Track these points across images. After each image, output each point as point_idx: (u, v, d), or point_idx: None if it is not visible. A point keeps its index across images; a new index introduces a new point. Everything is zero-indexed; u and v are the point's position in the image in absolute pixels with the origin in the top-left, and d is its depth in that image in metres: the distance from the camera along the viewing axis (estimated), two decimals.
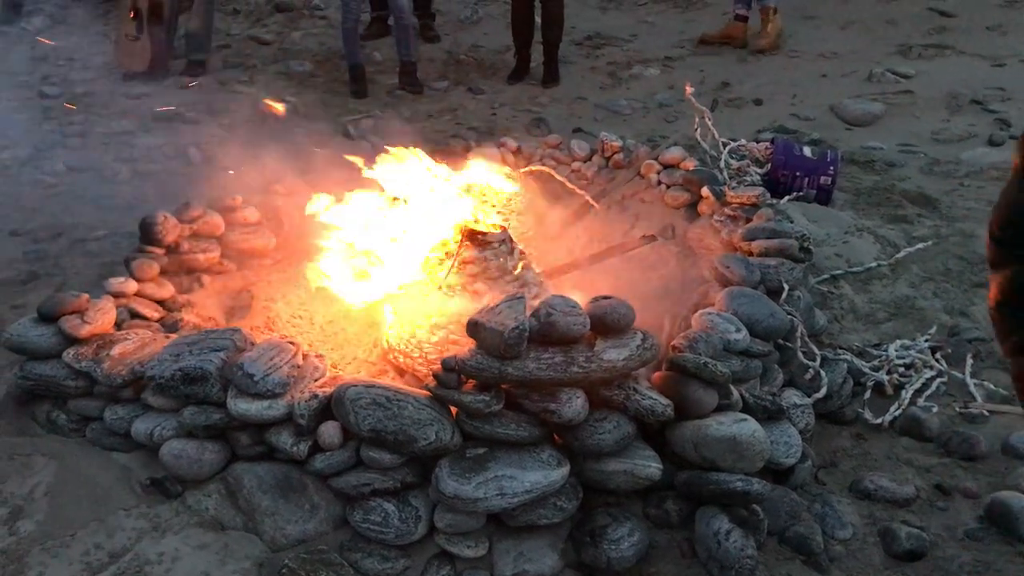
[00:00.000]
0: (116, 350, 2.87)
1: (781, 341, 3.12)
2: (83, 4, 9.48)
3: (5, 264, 4.33)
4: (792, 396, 3.03)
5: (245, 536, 2.59)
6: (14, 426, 2.97)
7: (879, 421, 3.14)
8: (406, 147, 3.74)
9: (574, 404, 2.47)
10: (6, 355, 3.16)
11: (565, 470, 2.51)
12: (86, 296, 3.04)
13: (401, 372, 3.26)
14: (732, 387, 2.69)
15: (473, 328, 2.53)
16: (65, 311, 2.97)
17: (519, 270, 3.34)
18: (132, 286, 3.32)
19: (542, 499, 2.49)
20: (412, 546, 2.55)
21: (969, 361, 3.43)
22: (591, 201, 4.44)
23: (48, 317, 2.97)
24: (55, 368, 2.89)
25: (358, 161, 3.69)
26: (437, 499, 2.49)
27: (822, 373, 3.12)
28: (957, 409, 3.21)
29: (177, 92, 7.19)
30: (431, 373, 2.63)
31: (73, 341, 2.92)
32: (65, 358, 2.87)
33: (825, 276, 3.92)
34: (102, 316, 2.99)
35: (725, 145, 4.68)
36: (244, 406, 2.57)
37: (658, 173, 4.47)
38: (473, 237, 3.32)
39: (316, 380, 2.69)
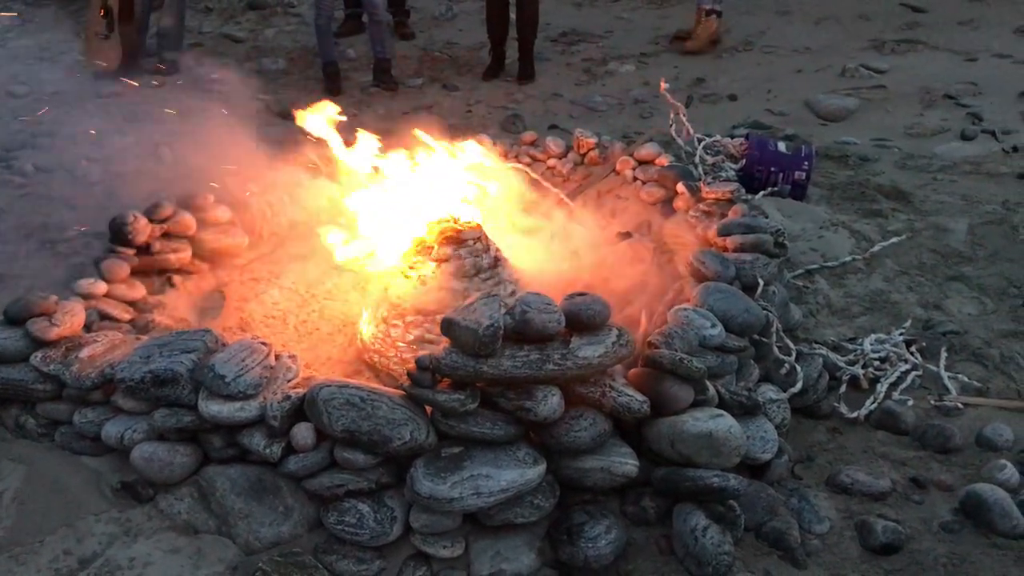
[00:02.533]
0: (85, 352, 2.83)
1: (757, 336, 3.11)
2: (53, 2, 9.37)
3: None
4: (768, 391, 3.02)
5: (218, 540, 2.55)
6: None
7: (855, 415, 3.14)
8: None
9: (550, 402, 2.45)
10: None
11: (541, 468, 2.49)
12: (55, 298, 2.99)
13: (376, 371, 3.24)
14: (708, 383, 2.69)
15: (447, 326, 2.51)
16: (33, 313, 2.92)
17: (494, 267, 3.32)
18: (102, 287, 3.28)
19: (518, 498, 2.47)
20: (387, 547, 2.52)
21: (943, 354, 3.44)
22: (565, 199, 4.42)
23: (16, 319, 2.92)
24: (23, 372, 2.83)
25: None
26: (412, 499, 2.47)
27: (798, 368, 3.12)
28: (932, 402, 3.22)
29: (148, 91, 7.11)
30: (406, 372, 2.61)
31: (41, 344, 2.87)
32: (33, 361, 2.82)
33: (800, 271, 3.93)
34: (71, 318, 2.95)
35: (700, 141, 4.68)
36: (216, 408, 2.53)
37: (633, 169, 4.47)
38: (448, 235, 3.30)
39: (289, 381, 2.66)
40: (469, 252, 3.27)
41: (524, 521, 2.51)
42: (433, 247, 3.28)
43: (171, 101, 6.71)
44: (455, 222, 3.36)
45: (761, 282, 3.23)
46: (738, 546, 2.55)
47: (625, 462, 2.54)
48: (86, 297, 3.19)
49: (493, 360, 2.44)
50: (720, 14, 8.00)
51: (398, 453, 2.48)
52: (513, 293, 3.25)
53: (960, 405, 3.19)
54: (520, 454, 2.49)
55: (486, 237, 3.39)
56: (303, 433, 2.52)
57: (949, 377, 3.34)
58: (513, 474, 2.44)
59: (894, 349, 3.42)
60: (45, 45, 8.33)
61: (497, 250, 3.41)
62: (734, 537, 2.54)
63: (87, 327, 3.06)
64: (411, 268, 3.29)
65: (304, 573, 2.41)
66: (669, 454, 2.58)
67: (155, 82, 7.34)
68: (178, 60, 7.66)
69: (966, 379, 3.34)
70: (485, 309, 2.49)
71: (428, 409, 2.54)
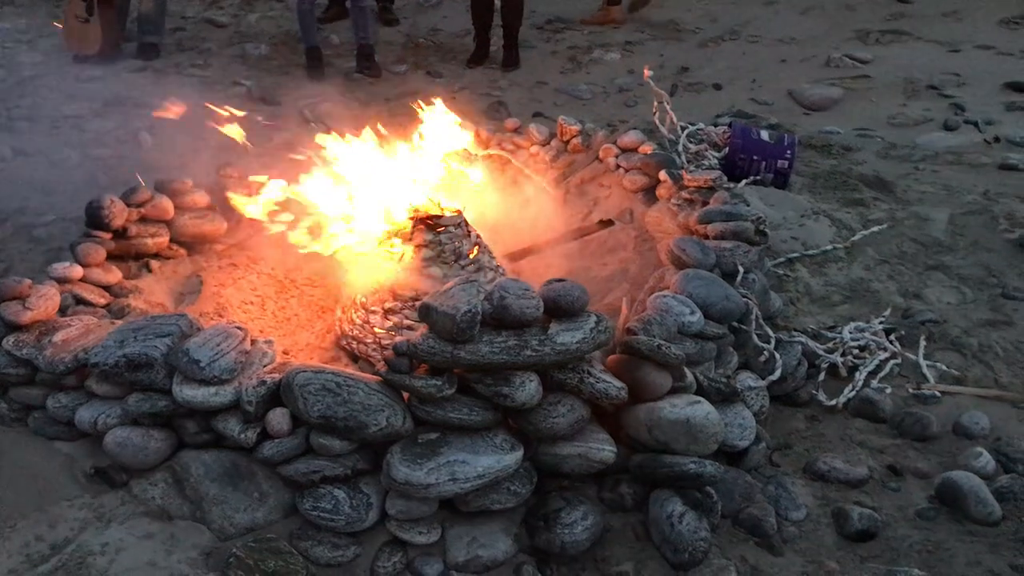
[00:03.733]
0: (59, 336, 2.80)
1: (736, 324, 3.11)
2: None
3: None
4: (747, 379, 3.02)
5: (192, 525, 2.53)
6: None
7: (833, 403, 3.15)
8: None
9: (527, 388, 2.44)
10: None
11: (518, 454, 2.48)
12: (28, 282, 2.95)
13: (355, 358, 3.23)
14: (686, 369, 2.68)
15: (425, 311, 2.49)
16: (6, 297, 2.89)
17: (474, 254, 3.30)
18: (77, 271, 3.24)
19: (495, 484, 2.47)
20: (363, 533, 2.51)
21: (922, 343, 3.45)
22: (546, 186, 4.40)
23: None
24: None
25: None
26: (388, 485, 2.45)
27: (777, 355, 3.11)
28: (910, 390, 3.23)
29: (129, 76, 7.04)
30: (383, 358, 2.59)
31: (14, 328, 2.84)
32: (5, 345, 2.79)
33: (781, 259, 3.92)
34: (45, 302, 2.92)
35: (683, 129, 4.67)
36: (190, 392, 2.51)
37: (616, 157, 4.46)
38: (428, 220, 3.28)
39: (265, 366, 2.64)
40: (449, 238, 3.25)
41: (501, 507, 2.51)
42: (413, 233, 3.26)
43: (151, 85, 6.66)
44: (435, 207, 3.33)
45: (741, 269, 3.23)
46: (715, 532, 2.56)
47: (602, 448, 2.53)
48: (61, 281, 3.16)
49: (471, 346, 2.43)
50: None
51: (374, 439, 2.47)
52: (493, 280, 3.23)
53: (938, 393, 3.20)
54: (497, 440, 2.49)
55: (466, 223, 3.37)
56: (278, 418, 2.50)
57: (928, 366, 3.35)
58: (490, 460, 2.43)
59: (873, 337, 3.43)
60: (24, 29, 8.23)
61: (478, 236, 3.39)
62: (711, 523, 2.54)
63: (62, 311, 3.03)
64: (390, 254, 3.27)
65: (279, 559, 2.39)
66: (646, 440, 2.57)
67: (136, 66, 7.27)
68: (159, 44, 7.59)
69: (944, 368, 3.35)
70: (463, 295, 2.48)
71: (405, 395, 2.52)
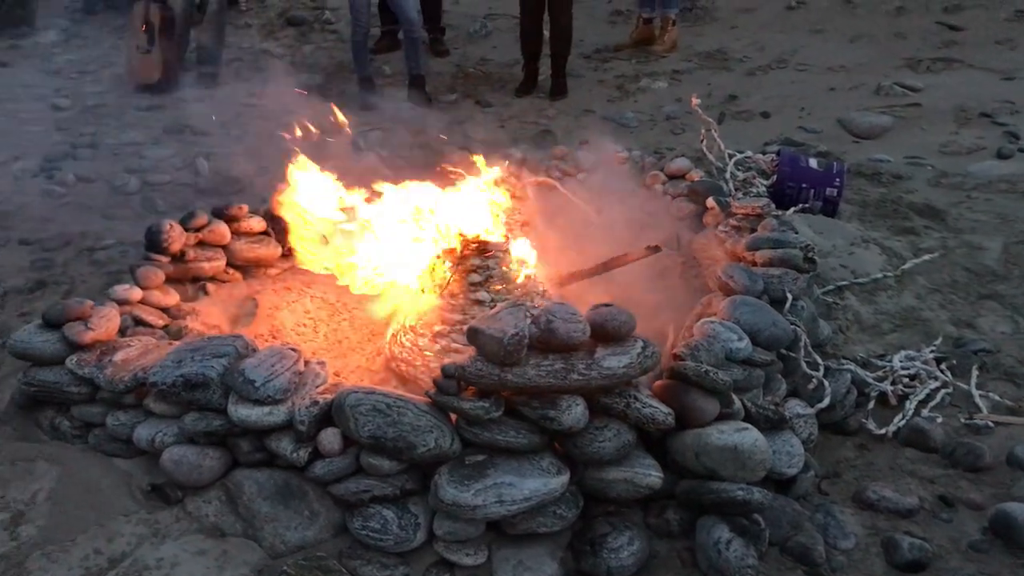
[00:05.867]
0: (119, 356, 2.88)
1: (785, 351, 3.10)
2: (96, 17, 9.61)
3: (14, 272, 4.38)
4: (795, 406, 3.01)
5: (244, 543, 2.58)
6: (18, 432, 2.99)
7: (883, 431, 3.11)
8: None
9: (574, 411, 2.46)
10: (11, 362, 3.22)
11: (565, 478, 2.50)
12: (90, 303, 3.05)
13: (404, 380, 3.27)
14: (734, 396, 2.68)
15: (473, 334, 2.53)
16: (70, 318, 2.99)
17: (520, 278, 3.34)
18: (137, 293, 3.35)
19: (541, 507, 2.48)
20: (411, 553, 2.54)
21: (975, 372, 3.40)
22: (592, 213, 4.43)
23: (53, 323, 2.99)
24: (58, 374, 2.90)
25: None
26: (436, 506, 2.48)
27: (825, 383, 3.09)
28: (962, 420, 3.18)
29: (187, 104, 7.24)
30: (431, 380, 2.63)
31: (76, 347, 2.94)
32: (68, 364, 2.88)
33: (830, 287, 3.90)
34: (106, 323, 3.01)
35: (731, 157, 4.68)
36: (245, 412, 2.57)
37: (664, 184, 4.48)
38: (476, 246, 3.33)
39: (317, 387, 2.69)
40: (497, 263, 3.29)
41: (547, 530, 2.52)
42: (461, 258, 3.31)
43: (209, 114, 6.84)
44: (484, 233, 3.38)
45: (789, 296, 3.22)
46: (762, 560, 2.53)
47: (649, 473, 2.54)
48: (121, 303, 3.26)
49: (518, 369, 2.46)
50: (652, 21, 8.62)
51: (423, 460, 2.50)
52: (540, 304, 3.26)
53: (991, 423, 3.15)
54: (544, 463, 2.51)
55: (514, 248, 3.41)
56: (330, 438, 2.55)
57: (980, 395, 3.30)
58: (536, 483, 2.45)
59: (924, 366, 3.39)
60: (89, 59, 8.53)
61: (524, 261, 3.43)
62: (758, 551, 2.52)
63: (122, 332, 3.12)
64: (439, 279, 3.32)
65: None
66: (693, 466, 2.57)
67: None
68: (217, 74, 7.81)
69: (997, 398, 3.29)
70: (510, 318, 2.51)
71: (453, 417, 2.56)
